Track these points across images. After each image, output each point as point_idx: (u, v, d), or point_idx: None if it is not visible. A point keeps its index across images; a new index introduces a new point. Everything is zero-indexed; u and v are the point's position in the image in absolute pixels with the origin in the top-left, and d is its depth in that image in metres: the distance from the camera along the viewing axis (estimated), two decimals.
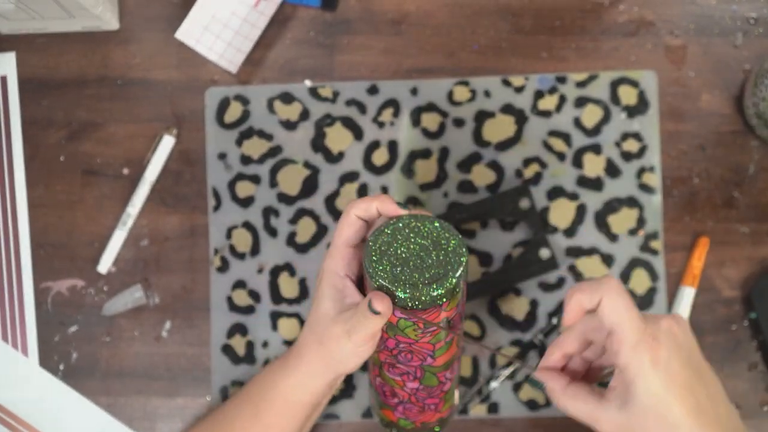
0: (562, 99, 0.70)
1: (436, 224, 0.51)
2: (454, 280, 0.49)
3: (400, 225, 0.51)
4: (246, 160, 0.71)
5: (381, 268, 0.50)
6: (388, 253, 0.50)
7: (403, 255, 0.50)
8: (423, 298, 0.48)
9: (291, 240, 0.70)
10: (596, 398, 0.47)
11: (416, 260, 0.50)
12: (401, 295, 0.48)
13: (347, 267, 0.54)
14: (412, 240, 0.51)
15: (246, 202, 0.71)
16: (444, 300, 0.49)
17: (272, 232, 0.70)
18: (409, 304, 0.49)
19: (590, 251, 0.69)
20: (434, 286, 0.48)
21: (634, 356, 0.45)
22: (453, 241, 0.50)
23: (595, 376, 0.52)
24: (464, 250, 0.50)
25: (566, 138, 0.70)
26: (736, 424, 0.47)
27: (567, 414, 0.49)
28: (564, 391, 0.48)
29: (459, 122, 0.71)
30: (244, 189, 0.71)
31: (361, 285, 0.55)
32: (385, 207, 0.52)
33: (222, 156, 0.71)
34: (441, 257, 0.50)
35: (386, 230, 0.51)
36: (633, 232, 0.69)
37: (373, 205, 0.52)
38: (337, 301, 0.53)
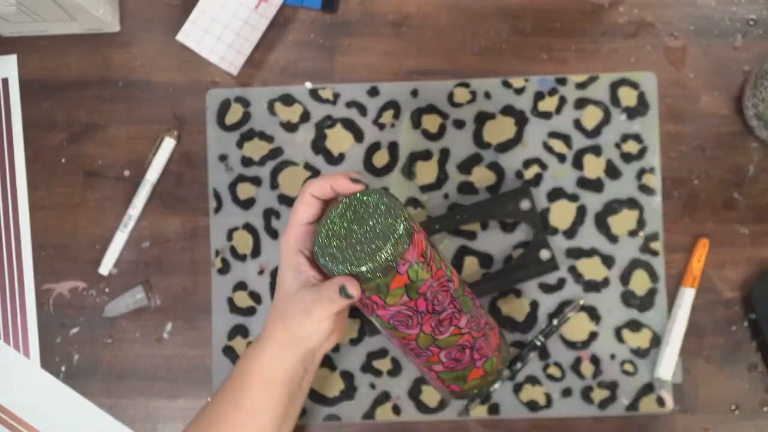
0: (562, 100, 0.70)
1: (375, 195, 0.53)
2: (402, 229, 0.51)
3: (341, 210, 0.53)
4: (247, 161, 0.71)
5: (336, 263, 0.51)
6: (336, 245, 0.52)
7: (346, 233, 0.52)
8: (390, 253, 0.51)
9: None
10: None
11: (365, 233, 0.52)
12: (368, 268, 0.51)
13: (302, 243, 0.55)
14: (357, 216, 0.53)
15: (247, 204, 0.71)
16: (407, 245, 0.51)
17: (273, 234, 0.71)
18: (386, 266, 0.51)
19: (590, 252, 0.69)
20: (390, 242, 0.51)
21: None
22: (382, 205, 0.52)
23: None
24: (398, 210, 0.52)
25: (566, 139, 0.70)
26: None
27: None
28: None
29: (459, 124, 0.71)
30: (244, 191, 0.71)
31: (314, 260, 0.56)
32: (339, 185, 0.54)
33: (223, 158, 0.71)
34: (381, 220, 0.52)
35: (327, 223, 0.53)
36: (633, 233, 0.69)
37: (327, 184, 0.54)
38: (295, 277, 0.55)
